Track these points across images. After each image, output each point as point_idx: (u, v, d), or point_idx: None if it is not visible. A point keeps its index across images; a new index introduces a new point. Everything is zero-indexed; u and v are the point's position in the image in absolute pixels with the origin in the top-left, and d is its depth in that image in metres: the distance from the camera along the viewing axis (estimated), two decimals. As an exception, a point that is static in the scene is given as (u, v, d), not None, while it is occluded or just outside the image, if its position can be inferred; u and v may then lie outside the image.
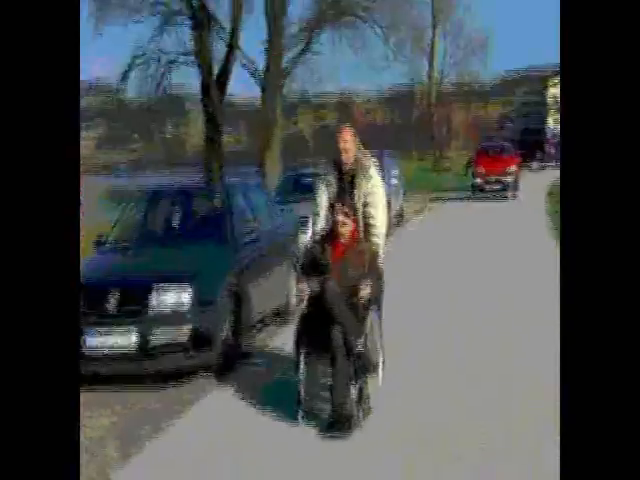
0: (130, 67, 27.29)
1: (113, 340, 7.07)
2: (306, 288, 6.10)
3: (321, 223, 6.76)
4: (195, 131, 43.20)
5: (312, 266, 6.24)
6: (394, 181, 20.48)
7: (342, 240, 6.23)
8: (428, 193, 30.35)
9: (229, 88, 26.83)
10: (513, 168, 26.74)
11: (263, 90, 25.42)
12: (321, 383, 6.06)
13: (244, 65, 26.03)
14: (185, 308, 7.14)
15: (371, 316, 6.18)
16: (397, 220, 20.58)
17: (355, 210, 6.53)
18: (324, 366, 5.95)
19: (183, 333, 7.08)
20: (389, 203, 19.00)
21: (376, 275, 6.29)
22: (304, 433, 5.72)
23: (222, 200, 9.01)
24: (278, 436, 5.73)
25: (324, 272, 6.09)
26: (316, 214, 6.87)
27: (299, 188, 15.52)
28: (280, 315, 9.67)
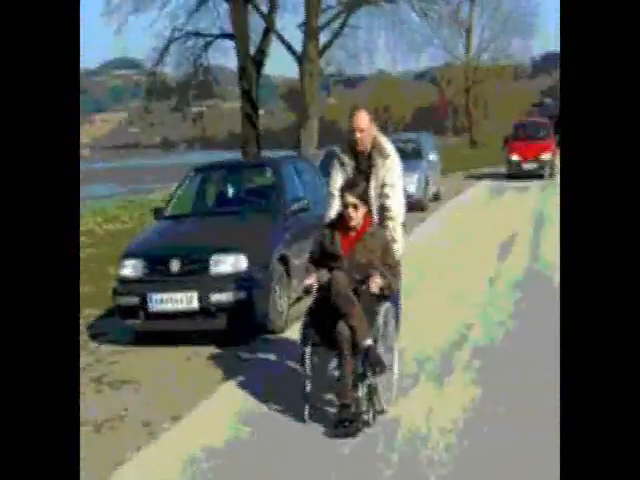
0: (168, 45, 28.09)
1: (176, 301, 7.92)
2: (314, 280, 5.74)
3: (335, 207, 6.35)
4: (232, 110, 43.80)
5: (321, 256, 5.88)
6: (431, 157, 21.12)
7: (353, 226, 5.78)
8: (465, 171, 30.89)
9: (266, 67, 27.53)
10: (547, 156, 26.02)
11: (300, 69, 25.95)
12: (329, 378, 5.75)
13: (281, 44, 26.63)
14: (241, 273, 7.95)
15: (385, 310, 5.78)
16: (434, 197, 21.17)
17: (369, 193, 6.15)
18: (332, 361, 5.71)
19: (239, 296, 7.88)
20: (427, 180, 19.81)
21: (391, 264, 5.84)
22: (309, 431, 5.48)
23: (273, 173, 9.86)
24: (282, 433, 5.53)
25: (334, 262, 5.74)
26: (330, 197, 6.57)
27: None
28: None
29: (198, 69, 29.52)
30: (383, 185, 6.37)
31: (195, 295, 7.87)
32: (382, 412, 5.61)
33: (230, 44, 27.06)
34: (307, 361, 5.62)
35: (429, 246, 13.35)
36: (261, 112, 31.61)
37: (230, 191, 10.13)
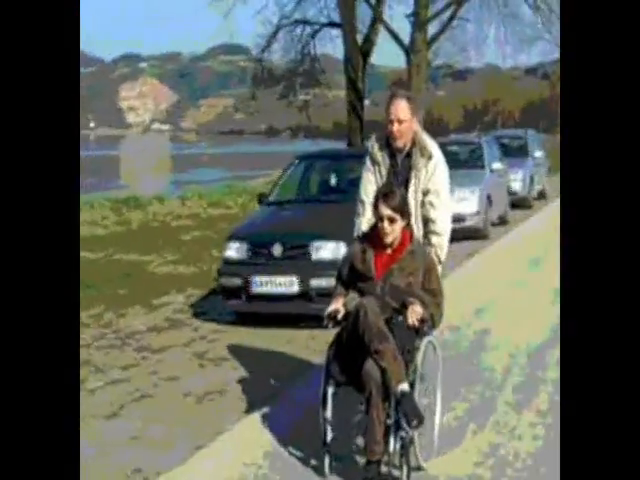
0: (275, 32, 28.60)
1: (277, 284, 8.28)
2: (341, 305, 4.84)
3: (367, 217, 5.36)
4: (337, 99, 44.17)
5: (351, 277, 4.96)
6: (538, 154, 20.86)
7: (389, 242, 4.87)
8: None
9: (373, 58, 27.74)
10: None
11: (408, 61, 26.06)
12: (356, 424, 4.90)
13: (389, 34, 26.79)
14: (340, 259, 8.23)
15: (425, 346, 4.85)
16: (540, 195, 21.01)
17: (407, 202, 5.07)
18: (358, 404, 4.81)
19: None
20: (532, 178, 19.57)
21: (434, 290, 4.92)
22: None
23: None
24: None
25: (365, 285, 4.87)
26: (360, 205, 5.55)
27: (444, 156, 16.24)
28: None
29: (305, 57, 29.93)
30: (426, 192, 5.37)
31: (295, 279, 8.22)
32: (419, 470, 4.73)
33: (337, 33, 27.41)
34: (329, 404, 4.73)
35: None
36: (367, 102, 31.82)
37: (333, 180, 10.44)
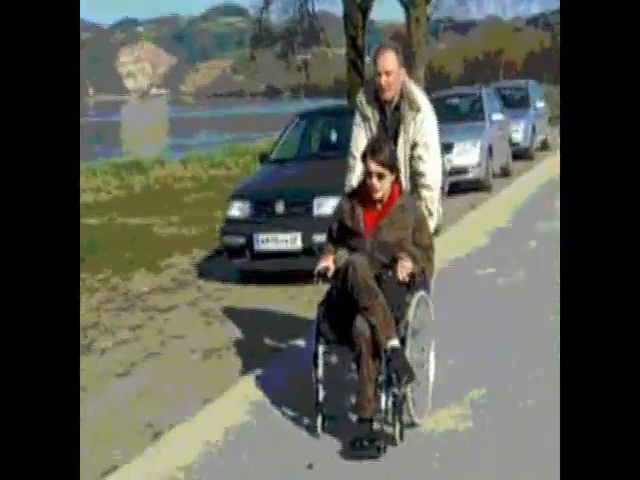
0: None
1: (280, 241, 8.39)
2: (330, 262, 4.83)
3: (357, 173, 5.37)
4: (337, 57, 43.97)
5: (341, 234, 4.94)
6: (539, 105, 20.85)
7: (377, 198, 4.82)
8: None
9: (374, 13, 27.62)
10: None
11: (407, 15, 25.92)
12: (348, 382, 4.94)
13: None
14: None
15: (417, 301, 4.78)
16: (542, 145, 21.03)
17: (396, 157, 5.03)
18: (351, 363, 4.84)
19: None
20: (534, 129, 19.60)
21: (424, 244, 4.87)
22: (324, 446, 4.62)
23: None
24: (293, 448, 4.67)
25: (355, 242, 4.84)
26: (351, 160, 5.56)
27: (445, 109, 16.23)
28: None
29: (303, 15, 29.79)
30: (414, 145, 5.33)
31: (299, 236, 8.33)
32: (413, 426, 4.69)
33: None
34: (320, 363, 4.70)
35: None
36: (367, 59, 31.71)
37: (333, 136, 10.49)
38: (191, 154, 25.62)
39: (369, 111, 5.44)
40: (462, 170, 14.01)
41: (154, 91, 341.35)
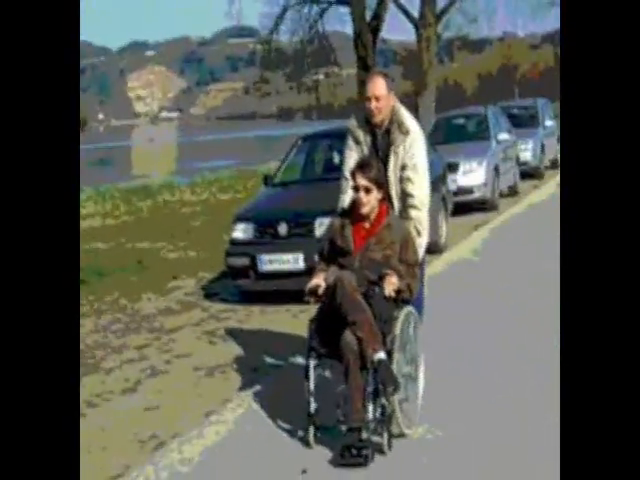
0: (283, 12, 28.95)
1: (284, 262, 8.79)
2: (322, 281, 5.09)
3: (350, 196, 5.51)
4: (349, 77, 44.46)
5: (332, 252, 5.27)
6: (549, 124, 21.15)
7: (366, 214, 5.16)
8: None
9: (382, 33, 28.03)
10: None
11: (417, 35, 26.32)
12: (338, 395, 4.99)
13: (398, 8, 27.05)
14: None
15: (405, 315, 5.11)
16: (552, 164, 21.32)
17: (388, 177, 5.50)
18: (341, 375, 5.00)
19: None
20: (542, 148, 19.89)
21: (410, 261, 5.18)
22: (315, 455, 4.88)
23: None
24: (287, 456, 4.95)
25: (344, 259, 5.15)
26: (343, 183, 5.93)
27: (451, 129, 16.60)
28: (429, 251, 11.13)
29: (314, 36, 30.21)
30: (404, 167, 5.61)
31: (301, 256, 8.72)
32: (402, 436, 4.96)
33: (346, 10, 27.72)
34: (311, 376, 5.01)
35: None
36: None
37: (336, 158, 10.88)
38: (200, 178, 26.13)
39: (361, 135, 5.76)
40: (468, 190, 14.38)
41: (164, 114, 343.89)
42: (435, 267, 10.04)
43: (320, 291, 5.07)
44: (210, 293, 9.90)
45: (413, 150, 5.63)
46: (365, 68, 27.03)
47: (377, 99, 5.58)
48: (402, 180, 5.62)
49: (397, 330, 4.98)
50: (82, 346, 7.88)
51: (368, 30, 26.62)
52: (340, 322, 4.85)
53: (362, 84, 27.06)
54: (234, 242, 9.30)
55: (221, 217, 15.78)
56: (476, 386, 5.83)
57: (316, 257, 8.45)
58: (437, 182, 11.58)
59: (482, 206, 14.94)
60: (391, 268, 5.06)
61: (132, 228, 16.00)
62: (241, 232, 9.26)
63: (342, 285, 4.87)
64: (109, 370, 7.17)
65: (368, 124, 5.74)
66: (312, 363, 5.04)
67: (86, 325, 8.71)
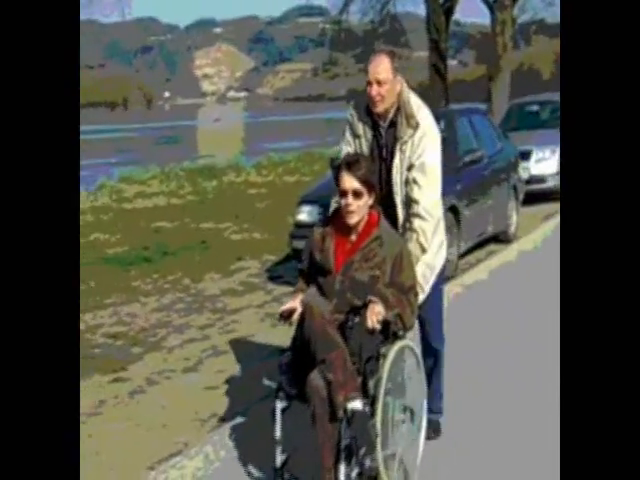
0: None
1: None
2: (297, 305, 4.10)
3: (335, 200, 4.66)
4: (420, 60, 44.28)
5: (310, 270, 4.34)
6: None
7: (352, 223, 4.22)
8: None
9: (456, 15, 27.84)
10: None
11: (492, 17, 26.09)
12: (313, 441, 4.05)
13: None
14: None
15: (396, 353, 4.18)
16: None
17: (392, 179, 4.65)
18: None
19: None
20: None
21: (404, 284, 4.24)
22: None
23: (446, 124, 10.56)
24: None
25: (324, 279, 4.23)
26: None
27: (524, 116, 16.40)
28: (499, 240, 11.18)
29: (385, 17, 30.10)
30: (410, 167, 4.62)
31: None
32: None
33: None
34: (278, 421, 4.12)
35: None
36: (453, 62, 31.92)
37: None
38: (266, 160, 26.32)
39: (360, 128, 4.80)
40: (540, 179, 14.21)
41: (231, 94, 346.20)
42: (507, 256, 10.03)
43: (295, 317, 4.09)
44: (274, 275, 10.02)
45: (422, 147, 4.62)
46: (438, 51, 26.94)
47: (379, 83, 4.60)
48: (408, 182, 4.63)
49: (384, 372, 4.04)
50: (145, 324, 8.10)
51: (441, 12, 26.48)
52: (311, 358, 3.97)
53: (434, 68, 27.04)
54: (299, 224, 9.39)
55: (286, 199, 15.90)
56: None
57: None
58: (508, 170, 11.55)
59: (554, 196, 14.49)
60: (378, 293, 4.11)
61: (197, 208, 16.22)
62: (306, 214, 9.34)
63: (311, 314, 3.96)
64: (171, 349, 7.32)
65: (369, 115, 4.76)
66: (279, 405, 4.13)
67: (149, 303, 8.92)
